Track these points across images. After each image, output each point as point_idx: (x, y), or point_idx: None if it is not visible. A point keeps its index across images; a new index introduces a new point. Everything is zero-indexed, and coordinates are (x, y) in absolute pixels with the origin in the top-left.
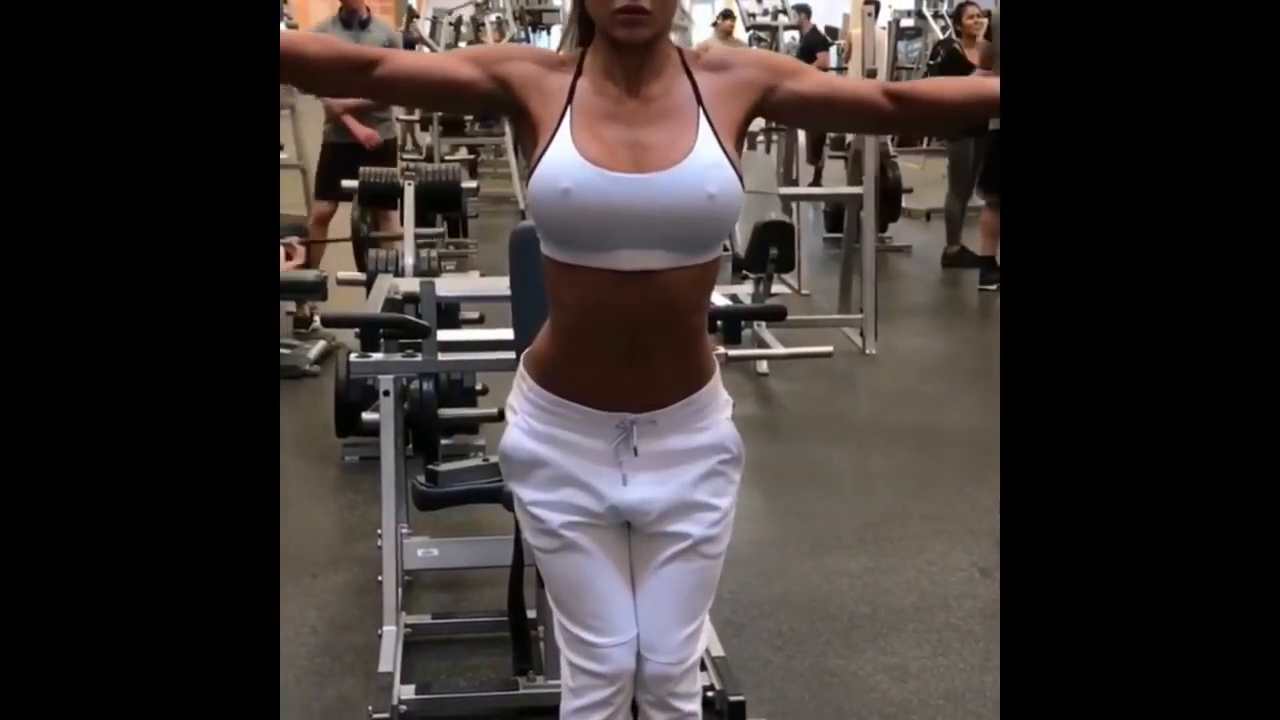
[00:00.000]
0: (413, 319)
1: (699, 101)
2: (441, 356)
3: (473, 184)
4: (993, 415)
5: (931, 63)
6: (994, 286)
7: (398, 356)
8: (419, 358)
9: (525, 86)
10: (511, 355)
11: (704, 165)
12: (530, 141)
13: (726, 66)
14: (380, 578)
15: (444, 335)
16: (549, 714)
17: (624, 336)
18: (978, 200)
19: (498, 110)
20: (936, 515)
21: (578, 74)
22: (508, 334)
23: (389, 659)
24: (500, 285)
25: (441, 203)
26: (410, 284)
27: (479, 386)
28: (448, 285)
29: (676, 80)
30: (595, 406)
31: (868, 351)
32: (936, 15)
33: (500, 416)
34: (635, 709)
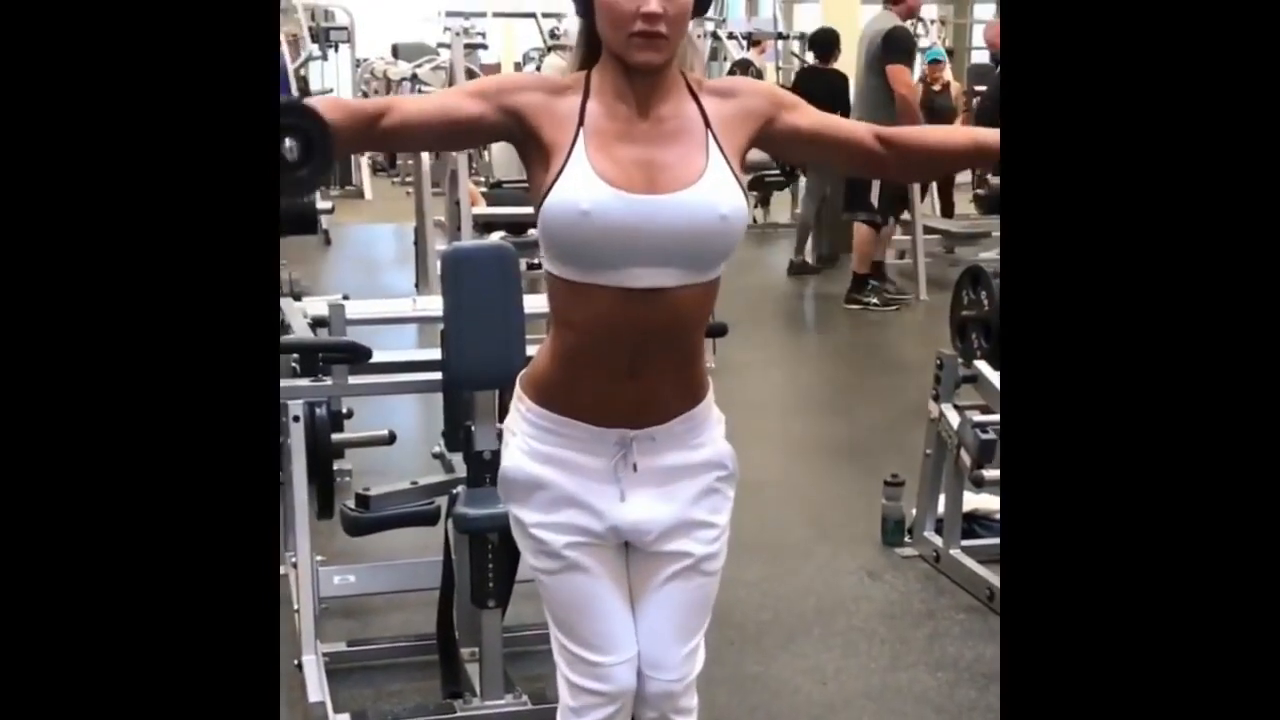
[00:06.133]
0: (358, 343)
1: (707, 125)
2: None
3: (326, 205)
4: (843, 422)
5: None
6: (859, 306)
7: (305, 381)
8: (329, 381)
9: (537, 114)
10: (417, 377)
11: (716, 186)
12: (541, 167)
13: (732, 94)
14: (296, 607)
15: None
16: None
17: (630, 352)
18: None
19: (507, 140)
20: (816, 522)
21: (585, 96)
22: (410, 356)
23: (316, 688)
24: (399, 308)
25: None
26: (318, 306)
27: (345, 410)
28: (354, 309)
29: (684, 103)
30: (596, 423)
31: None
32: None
33: (391, 439)
34: None
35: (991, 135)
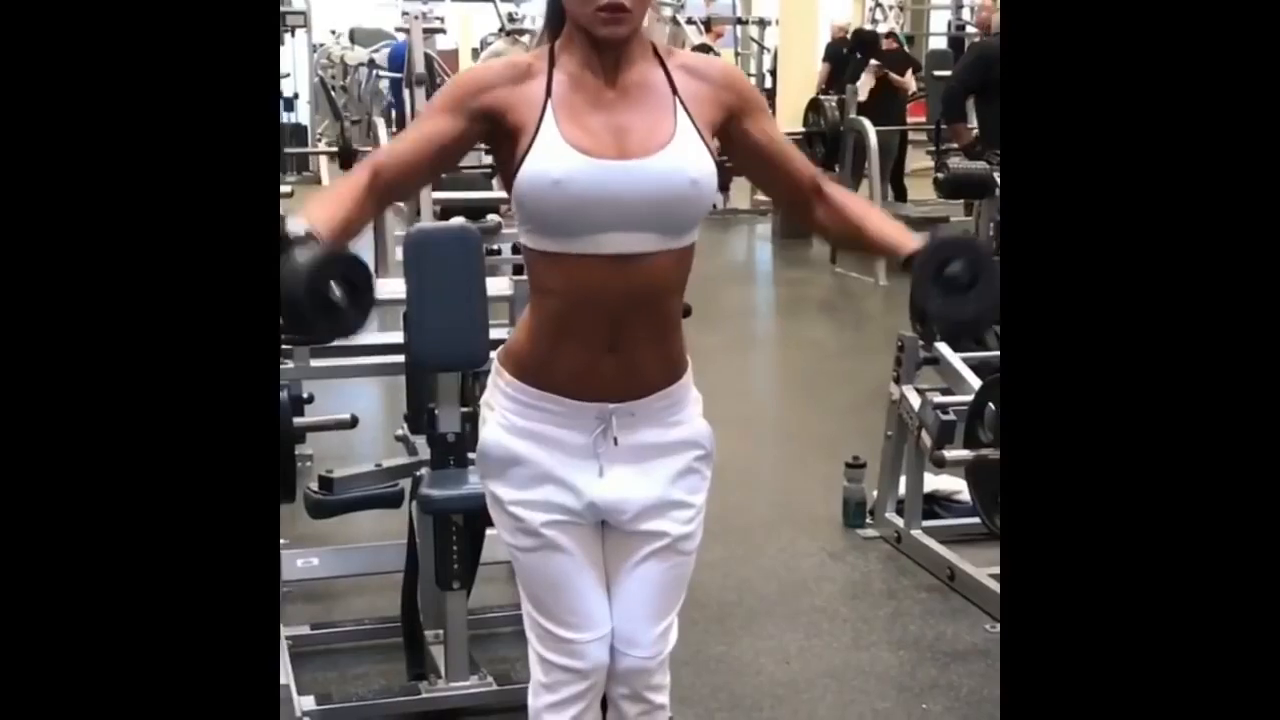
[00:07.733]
0: None
1: (674, 92)
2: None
3: (285, 189)
4: (805, 405)
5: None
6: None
7: None
8: (290, 364)
9: (505, 108)
10: (380, 360)
11: (685, 150)
12: (511, 146)
13: (704, 77)
14: None
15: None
16: (453, 717)
17: (609, 321)
18: None
19: (485, 142)
20: (778, 504)
21: (550, 69)
22: (373, 339)
23: (281, 671)
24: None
25: None
26: None
27: (305, 394)
28: None
29: (651, 70)
30: (575, 397)
31: None
32: None
33: (353, 423)
34: (604, 702)
35: (909, 244)
